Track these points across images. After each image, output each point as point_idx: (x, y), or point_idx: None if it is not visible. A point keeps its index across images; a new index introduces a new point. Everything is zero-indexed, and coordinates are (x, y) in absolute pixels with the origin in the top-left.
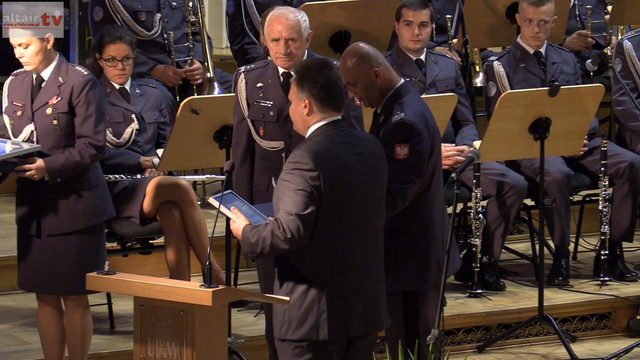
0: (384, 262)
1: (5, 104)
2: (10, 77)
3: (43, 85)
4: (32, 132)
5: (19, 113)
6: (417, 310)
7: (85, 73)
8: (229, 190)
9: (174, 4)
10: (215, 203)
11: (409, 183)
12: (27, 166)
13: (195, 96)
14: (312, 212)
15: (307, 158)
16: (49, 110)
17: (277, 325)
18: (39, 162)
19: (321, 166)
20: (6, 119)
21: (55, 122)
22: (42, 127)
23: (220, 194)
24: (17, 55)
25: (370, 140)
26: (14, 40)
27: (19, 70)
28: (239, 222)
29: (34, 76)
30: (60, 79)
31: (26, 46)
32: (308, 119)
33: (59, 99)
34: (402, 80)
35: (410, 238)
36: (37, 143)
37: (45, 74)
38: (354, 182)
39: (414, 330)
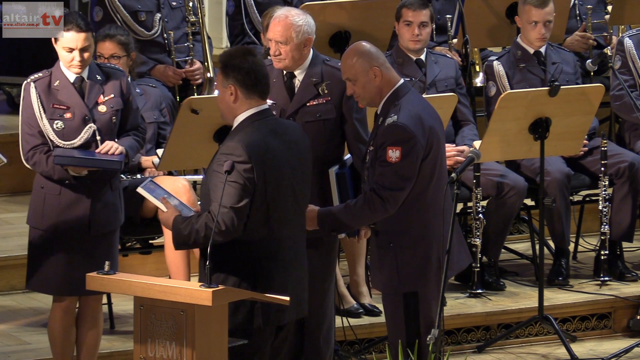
0: (384, 263)
1: (39, 110)
2: (32, 84)
3: (85, 85)
4: (94, 131)
5: (68, 115)
6: (418, 311)
7: (119, 67)
8: (149, 178)
9: (174, 3)
10: (144, 193)
11: (399, 190)
12: (109, 145)
13: (195, 96)
14: (246, 204)
15: (241, 150)
16: (103, 109)
17: None
18: (120, 147)
19: (254, 158)
20: (46, 124)
21: (114, 119)
22: (101, 125)
23: (146, 183)
24: (70, 59)
25: (294, 128)
26: (71, 44)
27: (38, 75)
28: (168, 213)
29: (74, 78)
30: (98, 76)
31: (87, 49)
32: (235, 107)
33: (111, 96)
34: (402, 81)
35: (410, 238)
36: (101, 142)
37: (85, 73)
38: (284, 171)
39: (415, 331)
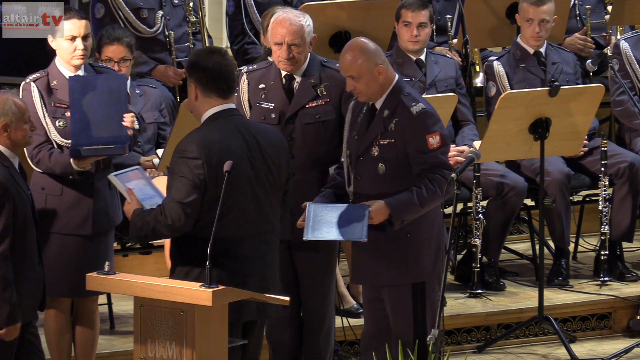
0: (395, 255)
1: (41, 109)
2: (33, 83)
3: None
4: None
5: (69, 114)
6: (425, 302)
7: (112, 67)
8: (136, 167)
9: (176, 1)
10: (114, 180)
11: (452, 169)
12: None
13: None
14: (195, 200)
15: (192, 146)
16: None
17: None
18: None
19: (205, 155)
20: (49, 122)
21: None
22: None
23: (121, 172)
24: (72, 49)
25: (268, 132)
26: (74, 31)
27: (36, 75)
28: (131, 205)
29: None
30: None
31: (87, 38)
32: (197, 105)
33: None
34: (397, 76)
35: (428, 228)
36: None
37: (81, 72)
38: (243, 171)
39: (423, 322)
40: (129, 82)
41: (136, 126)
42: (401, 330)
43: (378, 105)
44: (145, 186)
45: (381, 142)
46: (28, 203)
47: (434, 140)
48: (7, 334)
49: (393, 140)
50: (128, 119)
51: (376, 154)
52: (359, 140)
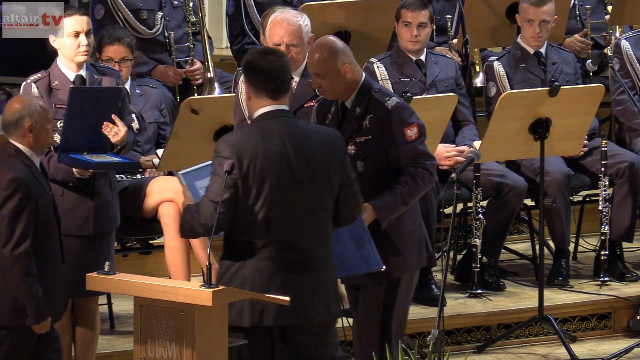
0: (384, 249)
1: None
2: (34, 84)
3: (85, 83)
4: None
5: None
6: (395, 299)
7: (113, 67)
8: (208, 163)
9: (175, 2)
10: (180, 177)
11: (433, 158)
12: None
13: (195, 96)
14: (227, 199)
15: (225, 145)
16: None
17: None
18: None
19: (236, 154)
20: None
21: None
22: None
23: (188, 170)
24: (76, 46)
25: (316, 133)
26: (76, 27)
27: (37, 76)
28: (184, 202)
29: (73, 76)
30: (95, 75)
31: (89, 34)
32: (250, 105)
33: None
34: (364, 74)
35: (411, 222)
36: None
37: (83, 71)
38: (281, 170)
39: (389, 322)
40: (129, 82)
41: (119, 136)
42: (367, 330)
43: (348, 104)
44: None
45: (357, 140)
46: (50, 203)
47: (411, 132)
48: (39, 329)
49: (370, 137)
50: (108, 128)
51: (353, 152)
52: None
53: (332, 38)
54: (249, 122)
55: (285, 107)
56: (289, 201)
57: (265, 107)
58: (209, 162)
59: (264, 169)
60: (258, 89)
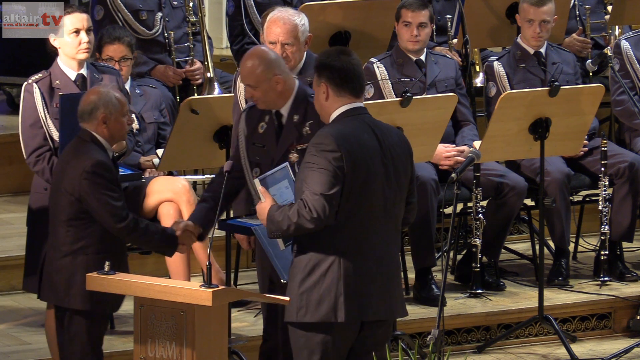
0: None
1: (43, 111)
2: (35, 84)
3: (87, 82)
4: None
5: None
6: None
7: (113, 67)
8: (285, 164)
9: (175, 3)
10: (257, 183)
11: None
12: None
13: (195, 96)
14: (337, 191)
15: (329, 139)
16: None
17: (294, 308)
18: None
19: (343, 147)
20: (50, 125)
21: None
22: None
23: (264, 176)
24: (77, 43)
25: (392, 131)
26: (77, 24)
27: (38, 76)
28: (265, 203)
29: (75, 75)
30: (95, 74)
31: (90, 31)
32: (327, 105)
33: None
34: (298, 82)
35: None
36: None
37: (84, 70)
38: (375, 164)
39: None
40: (129, 82)
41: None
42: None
43: (284, 111)
44: (287, 188)
45: (299, 148)
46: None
47: None
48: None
49: None
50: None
51: (297, 159)
52: (269, 149)
53: (264, 48)
54: None
55: (363, 105)
56: (382, 196)
57: (347, 105)
58: (281, 166)
59: (366, 163)
60: (341, 88)
